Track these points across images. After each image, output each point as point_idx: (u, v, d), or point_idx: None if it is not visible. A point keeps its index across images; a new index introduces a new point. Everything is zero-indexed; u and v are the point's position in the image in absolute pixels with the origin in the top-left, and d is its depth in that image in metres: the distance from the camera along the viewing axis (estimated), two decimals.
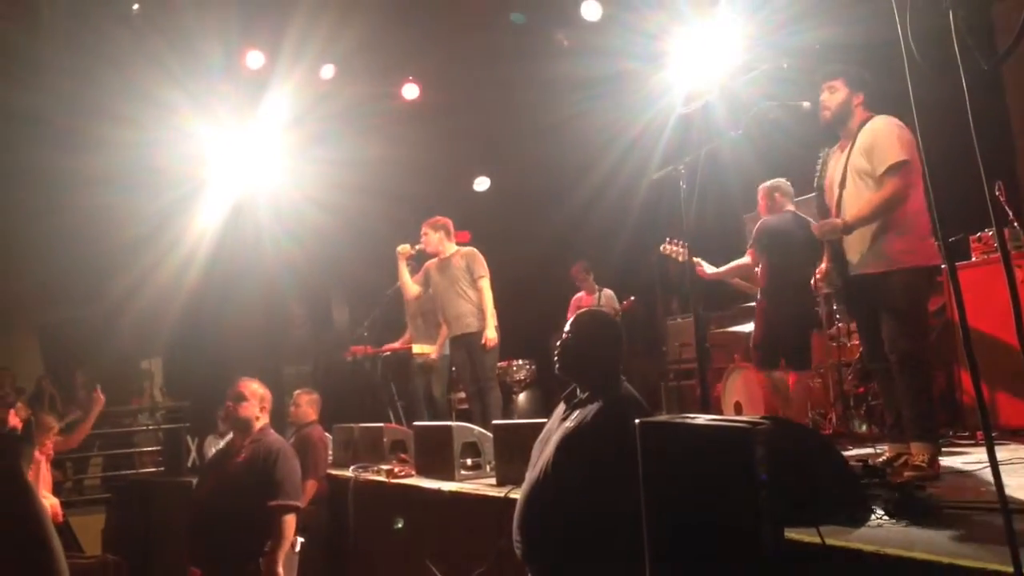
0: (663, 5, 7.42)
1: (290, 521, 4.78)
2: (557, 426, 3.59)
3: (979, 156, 2.25)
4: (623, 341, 3.72)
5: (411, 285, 7.36)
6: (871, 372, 5.23)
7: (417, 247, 7.24)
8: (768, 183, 6.27)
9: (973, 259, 5.73)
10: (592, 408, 3.42)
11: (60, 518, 5.93)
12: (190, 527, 5.06)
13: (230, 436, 6.76)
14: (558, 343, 3.70)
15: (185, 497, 7.73)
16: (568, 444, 3.40)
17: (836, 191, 4.49)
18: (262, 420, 5.02)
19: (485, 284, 6.94)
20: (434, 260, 7.25)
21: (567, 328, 3.71)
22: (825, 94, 4.54)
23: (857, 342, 6.47)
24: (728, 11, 7.04)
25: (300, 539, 5.04)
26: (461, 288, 6.98)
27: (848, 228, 4.34)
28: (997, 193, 5.29)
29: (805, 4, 6.64)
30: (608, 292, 8.99)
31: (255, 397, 5.03)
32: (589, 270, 9.04)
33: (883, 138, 4.28)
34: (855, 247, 4.39)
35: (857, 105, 4.47)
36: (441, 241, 7.15)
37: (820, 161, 4.65)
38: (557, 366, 3.70)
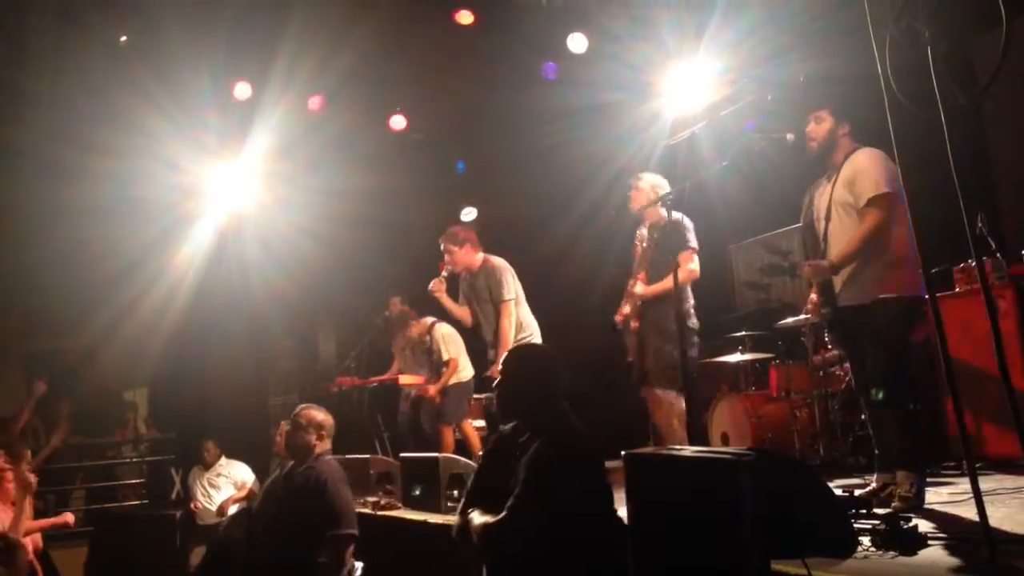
0: (648, 38, 7.49)
1: (348, 549, 4.88)
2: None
3: (958, 188, 2.27)
4: (560, 374, 3.56)
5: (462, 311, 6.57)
6: (857, 401, 5.24)
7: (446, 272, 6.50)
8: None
9: (956, 290, 5.76)
10: (531, 450, 3.32)
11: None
12: (249, 552, 5.23)
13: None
14: (494, 383, 3.62)
15: (170, 530, 7.68)
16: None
17: (822, 224, 4.52)
18: (320, 447, 5.07)
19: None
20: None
21: (500, 367, 3.63)
22: (811, 124, 4.57)
23: (841, 372, 6.49)
24: (713, 44, 7.12)
25: (360, 564, 5.04)
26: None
27: (836, 268, 4.38)
28: (980, 225, 5.33)
29: (788, 37, 6.72)
30: None
31: (311, 425, 5.09)
32: None
33: (864, 170, 4.32)
34: (841, 278, 4.41)
35: (843, 135, 4.51)
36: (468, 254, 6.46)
37: (805, 202, 4.69)
38: (496, 408, 3.63)
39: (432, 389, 7.89)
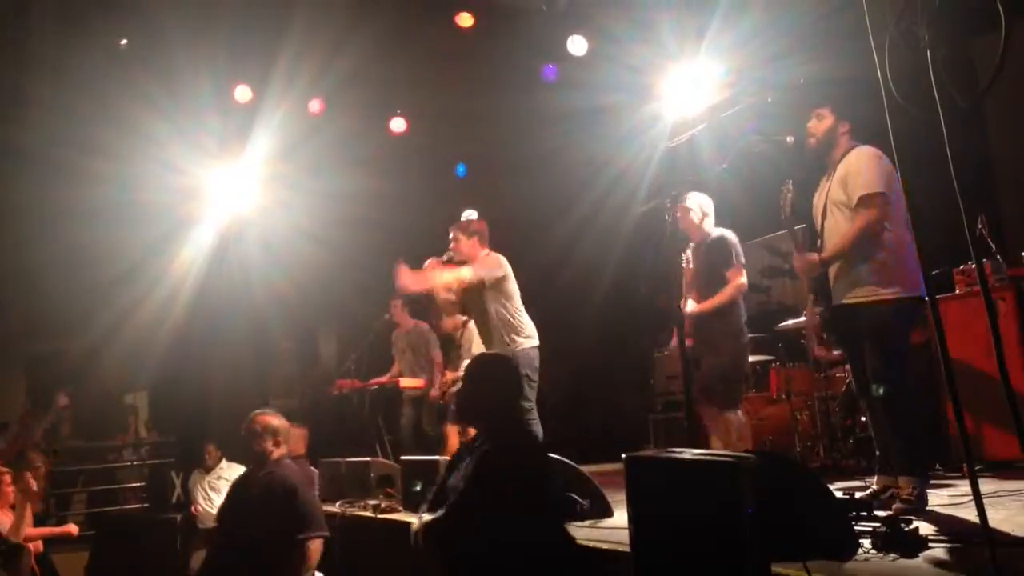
0: (648, 40, 7.49)
1: (316, 551, 4.84)
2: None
3: (958, 190, 2.27)
4: (519, 382, 3.67)
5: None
6: (858, 404, 5.23)
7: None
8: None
9: (956, 292, 5.76)
10: (478, 452, 3.38)
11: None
12: (209, 560, 5.11)
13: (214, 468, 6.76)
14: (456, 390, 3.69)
15: (170, 534, 7.69)
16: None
17: (819, 221, 4.53)
18: (278, 452, 5.02)
19: None
20: None
21: (463, 374, 3.68)
22: (812, 121, 4.58)
23: (842, 374, 6.48)
24: (713, 46, 7.12)
25: (319, 574, 5.02)
26: None
27: (825, 263, 4.39)
28: (980, 227, 5.34)
29: (789, 40, 6.72)
30: None
31: (266, 431, 5.02)
32: None
33: (858, 169, 4.32)
34: (836, 277, 4.42)
35: (843, 134, 4.52)
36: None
37: (782, 196, 4.69)
38: (457, 414, 3.70)
39: (451, 375, 7.83)
